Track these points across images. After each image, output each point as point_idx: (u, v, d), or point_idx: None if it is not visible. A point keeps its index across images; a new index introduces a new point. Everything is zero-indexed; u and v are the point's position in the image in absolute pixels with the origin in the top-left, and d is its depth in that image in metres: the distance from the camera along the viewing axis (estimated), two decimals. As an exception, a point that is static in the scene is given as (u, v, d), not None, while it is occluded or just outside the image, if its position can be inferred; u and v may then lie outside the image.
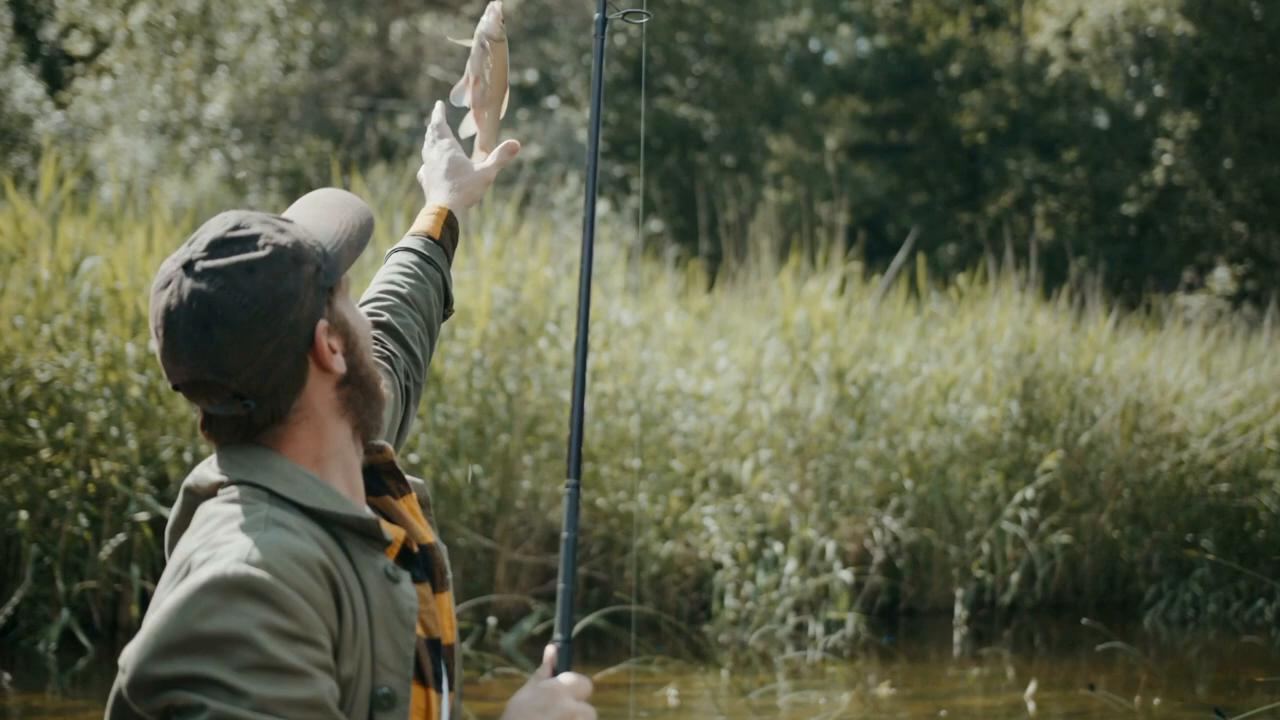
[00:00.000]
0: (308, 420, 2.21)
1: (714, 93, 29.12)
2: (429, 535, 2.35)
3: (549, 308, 9.80)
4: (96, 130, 21.14)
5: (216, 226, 2.18)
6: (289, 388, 2.18)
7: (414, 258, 2.91)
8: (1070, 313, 13.17)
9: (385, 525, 2.20)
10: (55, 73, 24.40)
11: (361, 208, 2.34)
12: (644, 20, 2.79)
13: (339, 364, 2.21)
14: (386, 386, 2.35)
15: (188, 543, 2.09)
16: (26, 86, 20.74)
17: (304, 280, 2.16)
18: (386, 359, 2.68)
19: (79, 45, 23.65)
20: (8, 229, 8.81)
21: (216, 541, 2.05)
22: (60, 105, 22.15)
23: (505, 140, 3.10)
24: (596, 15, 2.68)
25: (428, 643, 2.23)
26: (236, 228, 2.17)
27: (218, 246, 2.16)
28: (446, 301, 2.96)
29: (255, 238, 2.16)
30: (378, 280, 2.85)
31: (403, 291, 2.83)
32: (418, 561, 2.25)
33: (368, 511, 2.20)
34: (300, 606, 2.00)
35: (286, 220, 2.25)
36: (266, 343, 2.13)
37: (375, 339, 2.70)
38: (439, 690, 2.23)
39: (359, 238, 2.29)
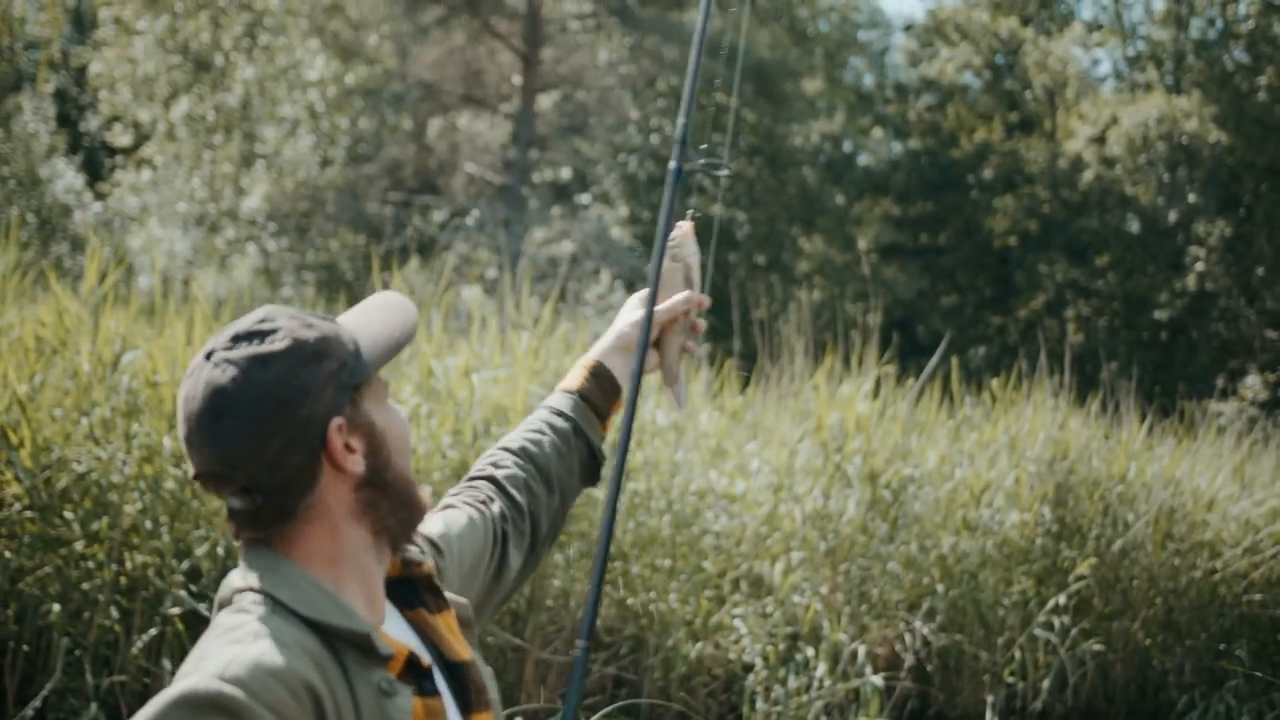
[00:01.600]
0: (320, 520, 2.19)
1: (747, 192, 29.29)
2: (465, 653, 2.30)
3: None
4: (134, 221, 21.35)
5: (245, 319, 2.19)
6: (300, 484, 2.16)
7: (544, 412, 2.90)
8: (1103, 418, 13.15)
9: (388, 640, 2.15)
10: (95, 164, 24.69)
11: (409, 311, 2.34)
12: (725, 173, 2.69)
13: (355, 464, 2.18)
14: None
15: (190, 654, 2.09)
16: (67, 178, 20.99)
17: (323, 376, 2.16)
18: (482, 503, 2.69)
19: (120, 137, 23.93)
20: (49, 320, 8.88)
21: (203, 654, 2.04)
22: (99, 196, 22.40)
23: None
24: (672, 164, 2.55)
25: None
26: (262, 320, 2.18)
27: (239, 338, 2.16)
28: (593, 454, 2.89)
29: (275, 331, 2.17)
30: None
31: (513, 446, 2.82)
32: (429, 676, 2.19)
33: (366, 625, 2.14)
34: None
35: (322, 317, 2.24)
36: (275, 436, 2.12)
37: (473, 485, 2.72)
38: None
39: (399, 339, 2.30)
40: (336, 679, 2.08)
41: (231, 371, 2.14)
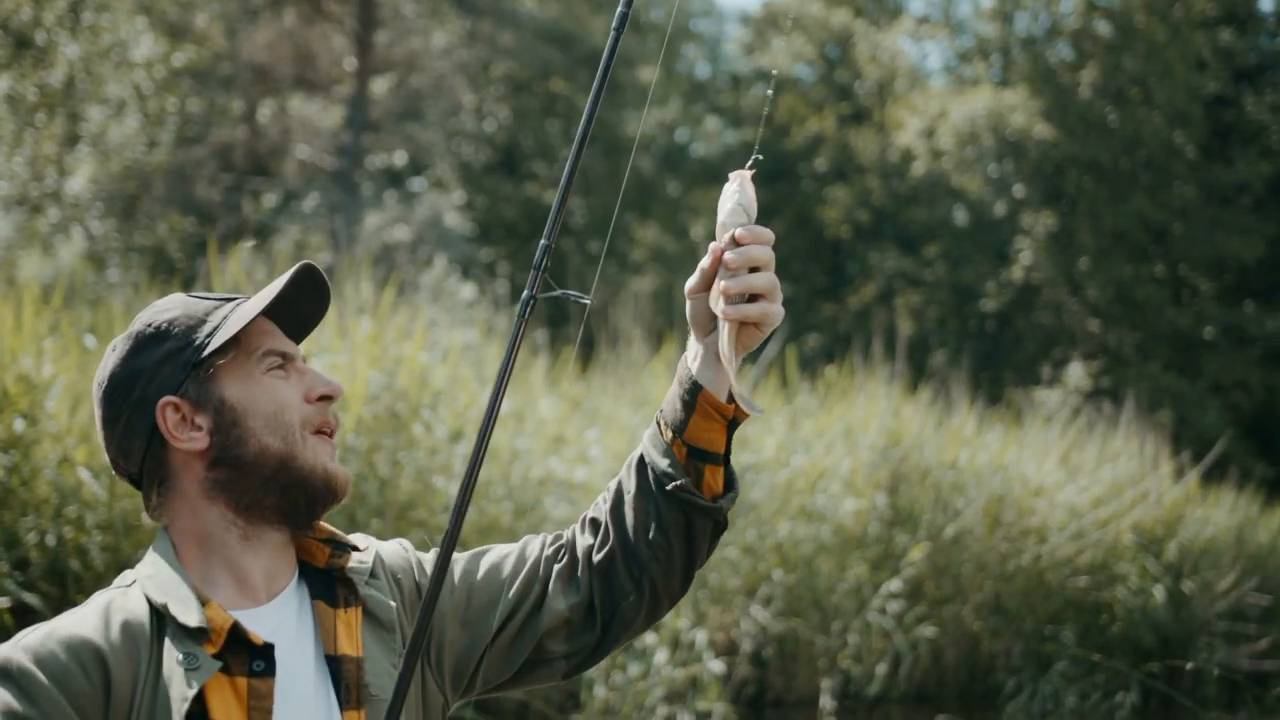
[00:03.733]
0: (180, 500, 2.23)
1: (581, 180, 29.31)
2: (348, 649, 2.24)
3: (423, 393, 9.75)
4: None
5: None
6: (153, 466, 2.23)
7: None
8: (935, 406, 13.37)
9: (210, 615, 2.12)
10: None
11: (284, 278, 2.27)
12: (586, 301, 2.31)
13: (193, 442, 2.20)
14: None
15: None
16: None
17: (159, 357, 2.21)
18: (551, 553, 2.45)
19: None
20: None
21: (35, 626, 2.14)
22: (-84, 175, 21.75)
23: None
24: (525, 292, 2.27)
25: None
26: (148, 308, 2.28)
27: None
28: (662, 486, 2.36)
29: (139, 319, 2.26)
30: None
31: (589, 513, 2.48)
32: (265, 657, 2.15)
33: (179, 600, 2.13)
34: (47, 694, 2.03)
35: (210, 297, 2.28)
36: (117, 420, 2.22)
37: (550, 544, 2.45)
38: None
39: (253, 304, 2.25)
40: (147, 651, 2.10)
41: (100, 365, 2.25)
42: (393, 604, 2.34)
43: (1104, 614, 12.49)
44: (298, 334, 2.38)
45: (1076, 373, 26.84)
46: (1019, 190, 29.33)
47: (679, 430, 2.30)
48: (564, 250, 28.18)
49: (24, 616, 7.85)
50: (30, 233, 19.81)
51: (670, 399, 2.33)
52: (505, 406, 10.61)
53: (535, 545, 2.46)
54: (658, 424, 2.35)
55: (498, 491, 9.97)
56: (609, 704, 9.67)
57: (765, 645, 10.90)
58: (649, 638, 9.84)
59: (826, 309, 30.52)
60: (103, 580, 7.22)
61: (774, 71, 2.58)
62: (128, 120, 22.95)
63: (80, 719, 2.04)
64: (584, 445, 10.95)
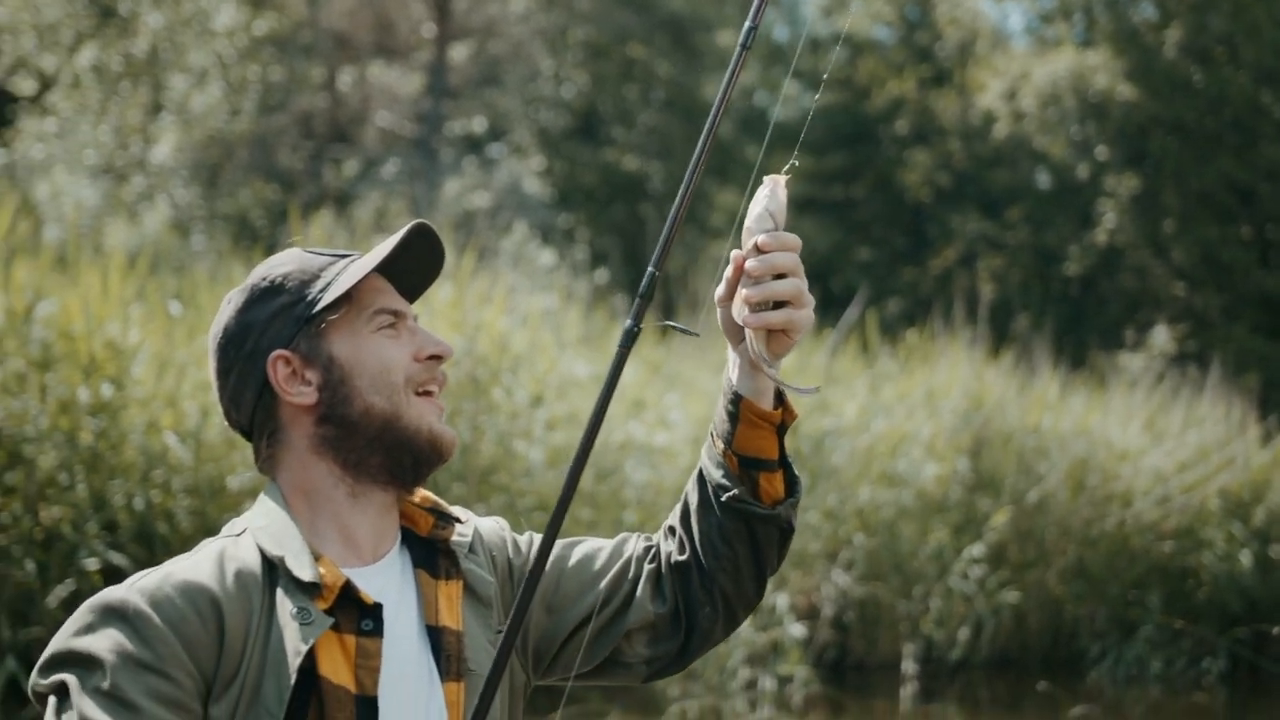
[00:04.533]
0: (289, 454, 2.24)
1: (660, 145, 29.25)
2: (448, 621, 2.25)
3: (503, 358, 9.79)
4: (40, 170, 20.99)
5: None
6: (264, 418, 2.24)
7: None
8: (1017, 371, 13.27)
9: (324, 570, 2.13)
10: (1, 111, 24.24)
11: (402, 232, 2.27)
12: (695, 334, 2.30)
13: (303, 396, 2.21)
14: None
15: None
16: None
17: (272, 311, 2.23)
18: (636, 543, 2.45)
19: (23, 85, 23.50)
20: (-42, 270, 8.72)
21: (149, 570, 2.17)
22: (3, 144, 22.00)
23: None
24: (628, 321, 2.19)
25: (358, 699, 2.12)
26: (264, 263, 2.30)
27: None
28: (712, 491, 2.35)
29: (256, 271, 2.28)
30: None
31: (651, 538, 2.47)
32: (373, 617, 2.16)
33: (295, 553, 2.15)
34: (162, 638, 2.05)
35: (317, 253, 2.30)
36: (229, 371, 2.24)
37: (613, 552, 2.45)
38: None
39: (367, 261, 2.25)
40: (260, 602, 2.12)
41: (217, 315, 2.28)
42: (491, 580, 2.34)
43: (1190, 579, 12.37)
44: (412, 293, 2.37)
45: (1161, 336, 26.51)
46: (1102, 152, 28.98)
47: (728, 441, 2.30)
48: (644, 216, 28.15)
49: (112, 578, 7.96)
50: (116, 201, 20.01)
51: (718, 410, 2.33)
52: (584, 371, 10.64)
53: (631, 543, 2.46)
54: (711, 435, 2.35)
55: (579, 456, 9.99)
56: (690, 668, 9.68)
57: (847, 610, 10.88)
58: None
59: (907, 273, 30.32)
60: (189, 543, 7.29)
61: (794, 162, 2.37)
62: (210, 89, 23.10)
63: (193, 664, 2.06)
64: (664, 410, 10.96)
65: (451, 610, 2.27)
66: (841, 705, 9.94)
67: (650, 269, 2.22)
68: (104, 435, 8.27)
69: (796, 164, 2.34)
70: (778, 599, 10.11)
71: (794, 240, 2.22)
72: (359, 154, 24.88)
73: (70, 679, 2.04)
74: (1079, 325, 27.38)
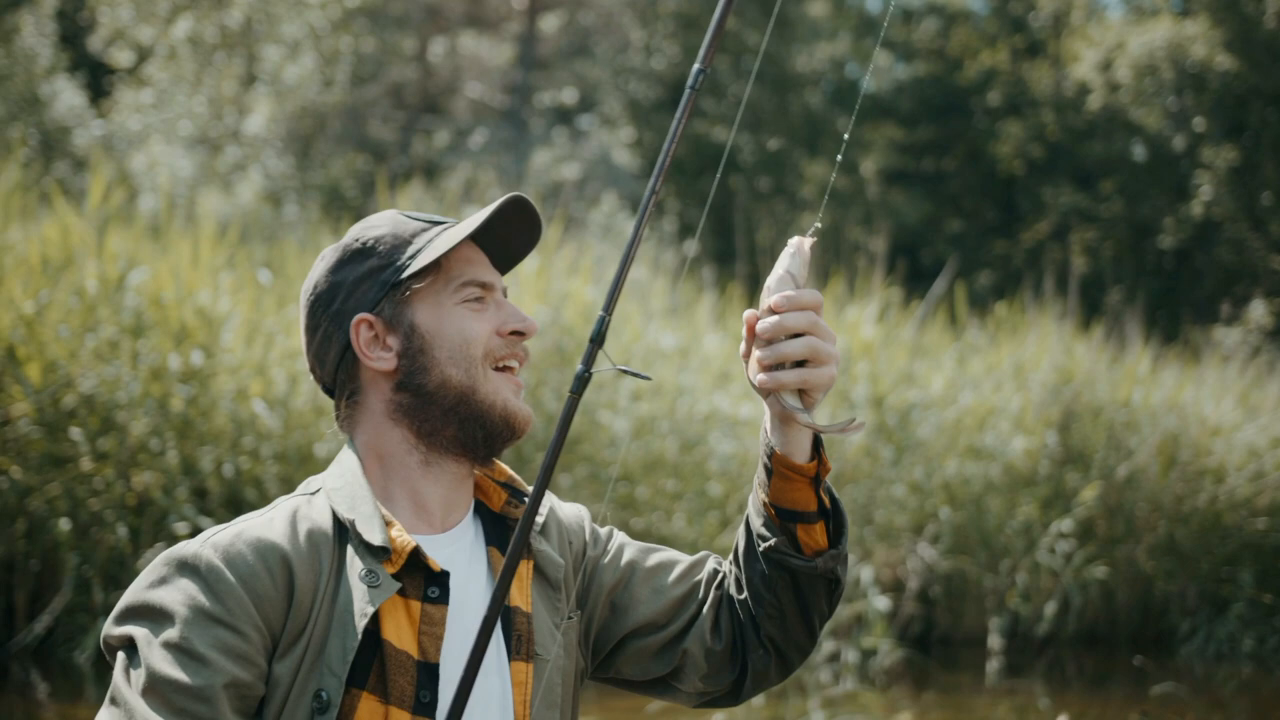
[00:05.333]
0: (367, 417, 2.26)
1: (749, 116, 29.15)
2: (520, 601, 2.25)
3: (588, 328, 9.81)
4: (136, 141, 21.24)
5: None
6: (345, 378, 2.27)
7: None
8: (1108, 344, 13.13)
9: (393, 535, 2.15)
10: (97, 83, 24.53)
11: (496, 204, 2.26)
12: (647, 378, 2.25)
13: (382, 362, 2.23)
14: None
15: None
16: (68, 96, 20.86)
17: (361, 273, 2.24)
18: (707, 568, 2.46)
19: (121, 56, 23.77)
20: (54, 239, 8.84)
21: (223, 525, 2.19)
22: (101, 115, 22.27)
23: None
24: (579, 366, 2.18)
25: (419, 664, 2.14)
26: (360, 222, 2.32)
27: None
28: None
29: (350, 231, 2.31)
30: None
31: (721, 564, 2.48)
32: (439, 584, 2.17)
33: (366, 517, 2.16)
34: (232, 592, 2.08)
35: (413, 218, 2.30)
36: (316, 329, 2.27)
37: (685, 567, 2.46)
38: (416, 715, 2.12)
39: (458, 231, 2.24)
40: (330, 562, 2.14)
41: (311, 270, 2.31)
42: (562, 563, 2.34)
43: (1283, 557, 12.20)
44: (505, 264, 2.37)
45: (1258, 310, 26.13)
46: (1199, 124, 28.59)
47: (765, 491, 2.28)
48: (733, 188, 28.07)
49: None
50: (210, 171, 20.21)
51: (760, 458, 2.30)
52: (669, 342, 10.64)
53: (705, 566, 2.46)
54: (755, 481, 2.32)
55: (663, 427, 10.00)
56: (774, 639, 9.68)
57: (932, 583, 10.83)
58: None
59: (998, 246, 30.07)
60: (277, 510, 7.35)
61: (818, 224, 2.31)
62: (303, 60, 23.26)
63: (262, 620, 2.09)
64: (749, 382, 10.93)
65: (522, 591, 2.27)
66: (926, 679, 9.90)
67: (601, 313, 2.19)
68: (194, 402, 8.37)
69: (820, 225, 2.31)
70: (862, 572, 10.08)
71: (811, 298, 2.17)
72: (449, 125, 24.98)
73: (140, 631, 2.07)
74: (1172, 299, 27.06)
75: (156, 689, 2.03)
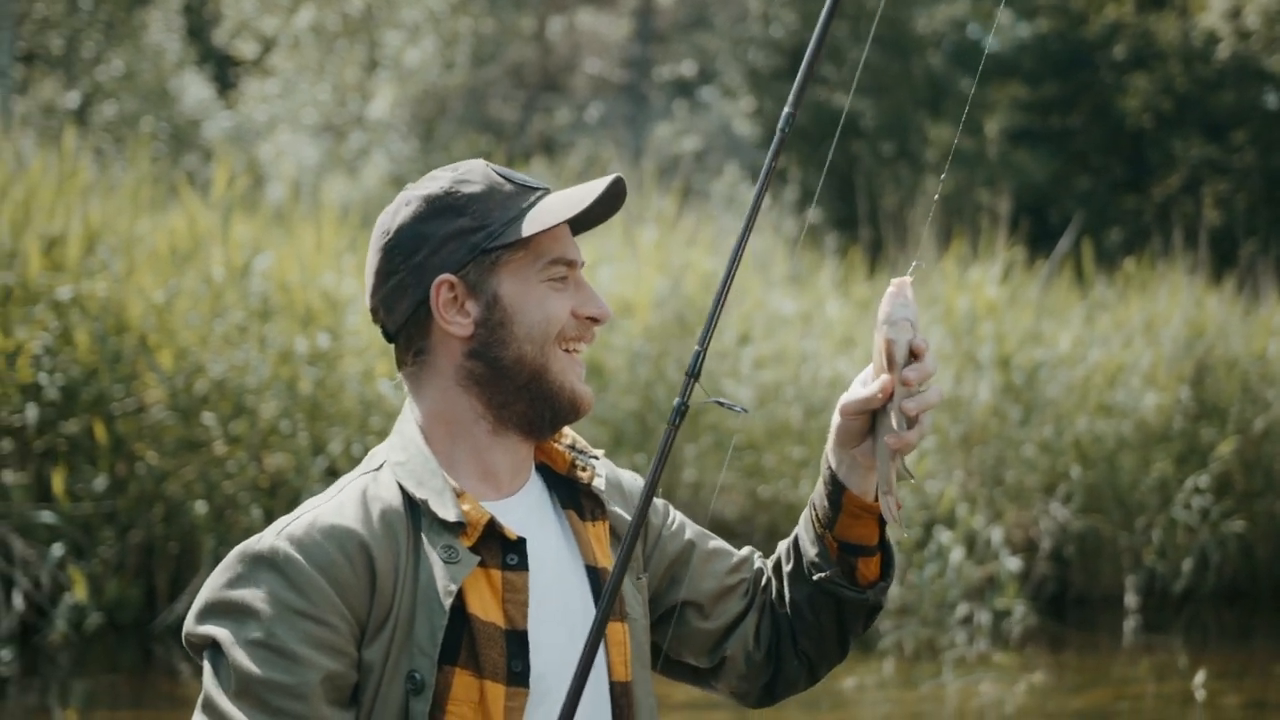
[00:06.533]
0: (433, 377, 2.21)
1: (872, 81, 28.92)
2: (606, 563, 2.24)
3: (708, 298, 9.82)
4: (263, 131, 21.57)
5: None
6: (414, 332, 2.19)
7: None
8: (1241, 297, 12.91)
9: (467, 508, 2.12)
10: (224, 75, 24.93)
11: (592, 188, 2.21)
12: (740, 410, 2.26)
13: (459, 327, 2.17)
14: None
15: None
16: (196, 89, 21.24)
17: (450, 231, 2.17)
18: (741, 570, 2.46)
19: (246, 48, 24.13)
20: (181, 229, 9.03)
21: (291, 514, 2.14)
22: (228, 107, 22.64)
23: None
24: (677, 400, 2.19)
25: (507, 633, 2.11)
26: (453, 168, 2.23)
27: (421, 180, 2.23)
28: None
29: (441, 180, 2.20)
30: None
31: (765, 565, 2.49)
32: (517, 551, 2.14)
33: (439, 493, 2.13)
34: (314, 584, 2.04)
35: (508, 176, 2.23)
36: (390, 275, 2.18)
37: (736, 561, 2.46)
38: (511, 685, 2.10)
39: (560, 207, 2.18)
40: (405, 541, 2.10)
41: (390, 208, 2.22)
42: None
43: None
44: (578, 228, 2.30)
45: (1398, 258, 25.52)
46: (1334, 69, 27.91)
47: (829, 525, 2.29)
48: (855, 153, 27.89)
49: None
50: (335, 158, 20.47)
51: (819, 491, 2.30)
52: (791, 308, 10.63)
53: (753, 564, 2.47)
54: (812, 512, 2.32)
55: (788, 394, 10.00)
56: (906, 603, 9.65)
57: (1065, 543, 10.73)
58: (944, 536, 9.77)
59: (1128, 201, 29.60)
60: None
61: (918, 263, 2.29)
62: (424, 43, 23.45)
63: (347, 608, 2.05)
64: (872, 347, 10.89)
65: (604, 552, 2.26)
66: (1061, 639, 9.82)
67: (697, 347, 2.19)
68: (322, 384, 8.52)
69: (921, 265, 2.28)
70: (992, 533, 10.01)
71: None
72: (569, 102, 25.06)
73: (222, 631, 2.04)
74: (1310, 249, 26.46)
75: (250, 691, 2.00)
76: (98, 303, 8.34)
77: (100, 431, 8.06)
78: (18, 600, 7.86)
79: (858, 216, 15.52)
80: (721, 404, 2.25)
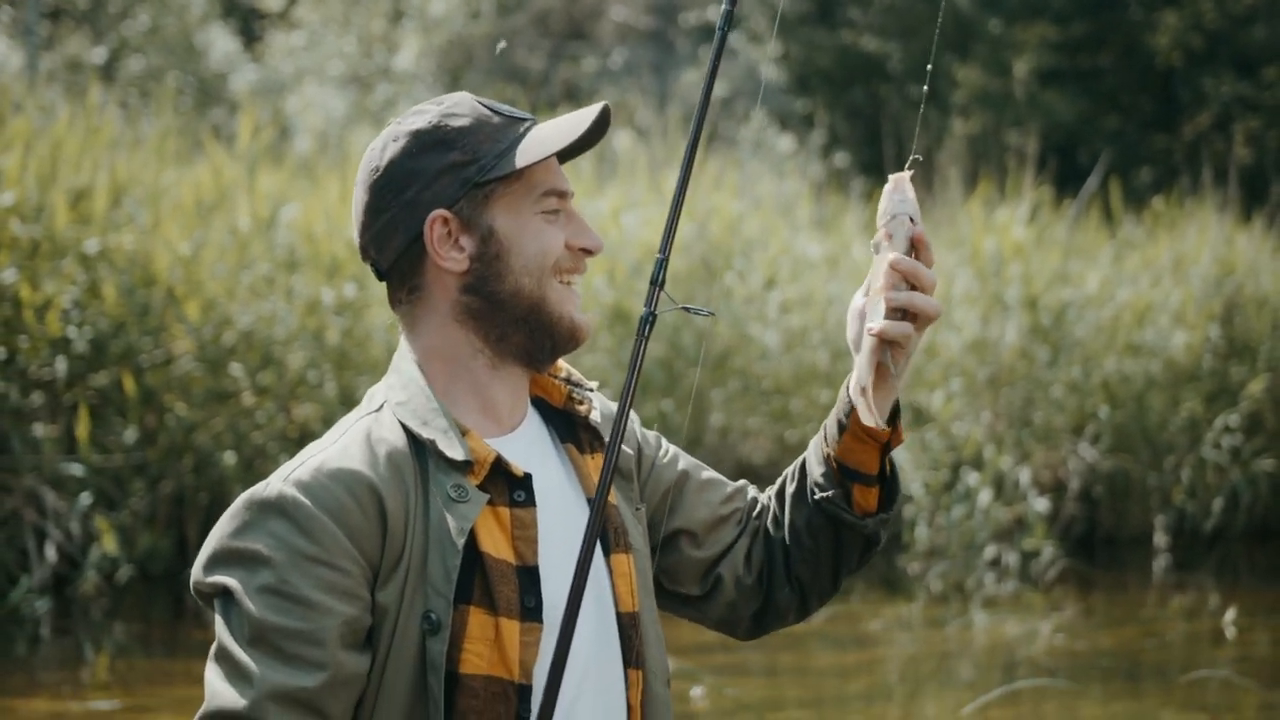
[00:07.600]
0: (429, 314, 2.20)
1: (898, 23, 28.75)
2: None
3: (735, 242, 9.81)
4: (289, 83, 21.57)
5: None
6: (407, 269, 2.18)
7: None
8: (1271, 234, 12.83)
9: (473, 446, 2.12)
10: (249, 28, 24.91)
11: (583, 116, 2.20)
12: (706, 313, 2.18)
13: (454, 262, 2.16)
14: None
15: None
16: (222, 43, 21.23)
17: (441, 165, 2.14)
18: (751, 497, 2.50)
19: (271, 1, 24.11)
20: (207, 181, 9.06)
21: (298, 456, 2.14)
22: (254, 60, 22.63)
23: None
24: (644, 309, 2.21)
25: (519, 570, 2.12)
26: (439, 101, 2.20)
27: (410, 112, 2.20)
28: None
29: (427, 114, 2.17)
30: None
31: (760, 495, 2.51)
32: (524, 487, 2.15)
33: (445, 432, 2.12)
34: (325, 529, 2.03)
35: (504, 112, 2.21)
36: (380, 212, 2.16)
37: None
38: (525, 621, 2.10)
39: (552, 138, 2.17)
40: (413, 481, 2.10)
41: (376, 144, 2.19)
42: (631, 453, 2.34)
43: None
44: (565, 157, 2.29)
45: None
46: (1367, 2, 27.63)
47: (833, 445, 2.30)
48: (883, 97, 27.75)
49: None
50: (362, 110, 20.45)
51: (834, 410, 2.31)
52: (817, 252, 10.61)
53: (747, 494, 2.48)
54: (824, 431, 2.33)
55: (814, 338, 10.00)
56: (934, 544, 9.67)
57: (1094, 483, 10.72)
58: (971, 478, 9.77)
59: (1158, 140, 29.40)
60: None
61: (917, 156, 2.29)
62: (449, -7, 23.41)
63: (359, 552, 2.05)
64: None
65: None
66: (1090, 580, 9.83)
67: (659, 255, 2.21)
68: (349, 334, 8.55)
69: (920, 158, 2.29)
70: (1020, 474, 10.01)
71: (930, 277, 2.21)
72: (595, 49, 24.99)
73: (233, 580, 2.03)
74: (1343, 185, 26.25)
75: (265, 638, 1.99)
76: (125, 255, 8.38)
77: (129, 384, 8.12)
78: (50, 552, 7.93)
79: (883, 160, 15.47)
80: (688, 310, 2.26)
